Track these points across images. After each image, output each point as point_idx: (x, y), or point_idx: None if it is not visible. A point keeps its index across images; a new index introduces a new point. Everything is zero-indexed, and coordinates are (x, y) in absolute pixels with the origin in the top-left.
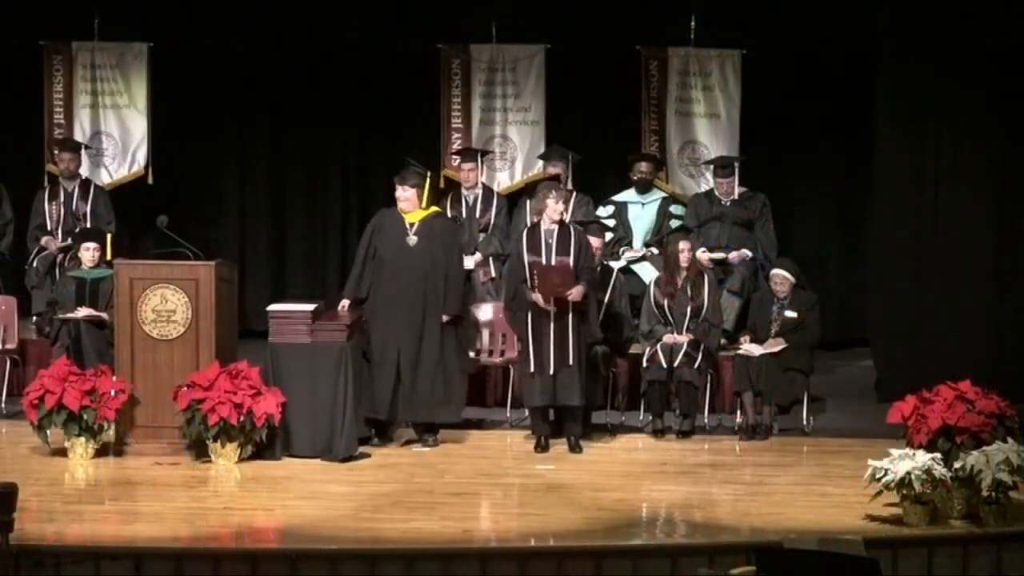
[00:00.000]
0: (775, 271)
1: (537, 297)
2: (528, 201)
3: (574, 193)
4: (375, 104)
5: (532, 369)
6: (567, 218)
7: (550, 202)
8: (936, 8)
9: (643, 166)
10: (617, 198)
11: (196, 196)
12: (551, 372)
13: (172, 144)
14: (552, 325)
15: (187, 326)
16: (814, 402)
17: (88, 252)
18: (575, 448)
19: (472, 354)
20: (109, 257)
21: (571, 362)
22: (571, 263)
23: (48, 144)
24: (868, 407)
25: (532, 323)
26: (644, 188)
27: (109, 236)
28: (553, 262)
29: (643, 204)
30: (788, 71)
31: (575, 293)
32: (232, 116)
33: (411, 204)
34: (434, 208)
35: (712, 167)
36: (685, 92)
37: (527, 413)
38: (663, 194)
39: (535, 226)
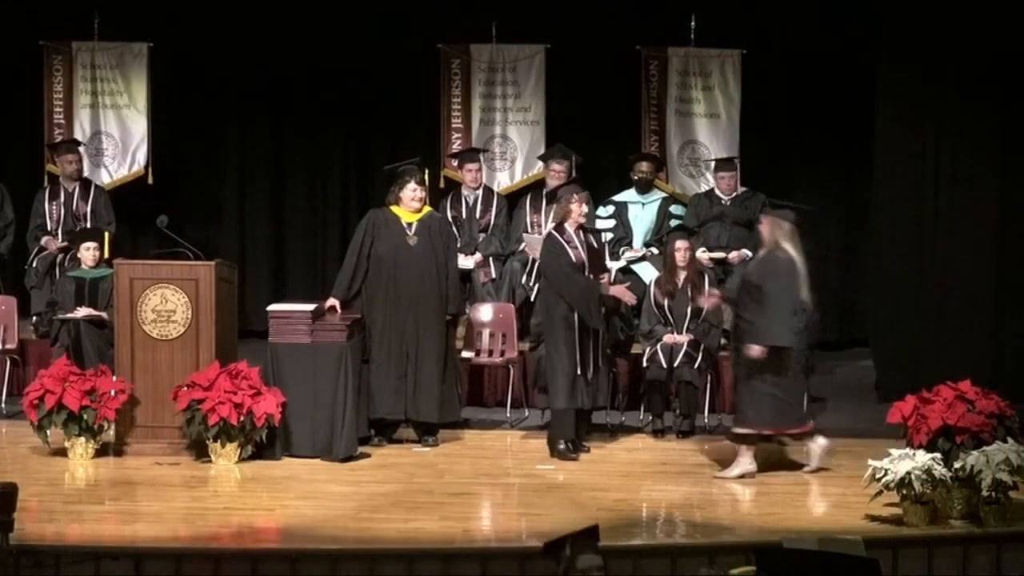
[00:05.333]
0: None
1: (618, 290)
2: (527, 202)
3: None
4: (375, 104)
5: (579, 371)
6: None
7: (574, 206)
8: (936, 9)
9: (643, 166)
10: (617, 198)
11: (196, 196)
12: (590, 375)
13: (172, 144)
14: (580, 328)
15: (187, 326)
16: (814, 402)
17: (88, 252)
18: (576, 448)
19: (472, 354)
20: (109, 257)
21: (600, 364)
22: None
23: (48, 145)
24: (868, 407)
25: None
26: (644, 188)
27: (109, 236)
28: (586, 265)
29: (643, 204)
30: (788, 71)
31: None
32: (232, 116)
33: (422, 202)
34: (427, 208)
35: (712, 164)
36: (685, 92)
37: (527, 413)
38: (663, 194)
39: (560, 229)
